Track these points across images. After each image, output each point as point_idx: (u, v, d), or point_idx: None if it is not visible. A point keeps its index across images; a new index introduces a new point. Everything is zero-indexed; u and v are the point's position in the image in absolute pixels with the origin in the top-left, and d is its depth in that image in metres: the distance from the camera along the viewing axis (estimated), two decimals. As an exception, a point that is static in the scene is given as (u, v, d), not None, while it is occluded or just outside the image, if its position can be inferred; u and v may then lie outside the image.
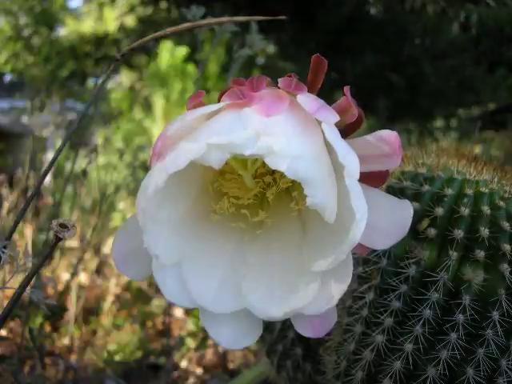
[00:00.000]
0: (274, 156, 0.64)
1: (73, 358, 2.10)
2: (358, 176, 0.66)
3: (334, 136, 0.67)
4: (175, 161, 0.66)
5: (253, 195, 0.79)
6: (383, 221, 0.74)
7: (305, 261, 0.73)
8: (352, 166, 0.66)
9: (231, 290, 0.75)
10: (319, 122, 0.70)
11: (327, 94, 0.76)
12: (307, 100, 0.70)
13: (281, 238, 0.79)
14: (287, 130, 0.68)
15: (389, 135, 0.71)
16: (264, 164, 0.78)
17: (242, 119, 0.67)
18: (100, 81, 1.55)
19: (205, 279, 0.76)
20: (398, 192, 1.10)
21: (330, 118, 0.69)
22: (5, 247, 0.98)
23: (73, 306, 2.20)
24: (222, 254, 0.79)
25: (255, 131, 0.65)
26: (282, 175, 0.77)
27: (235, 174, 0.78)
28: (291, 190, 0.80)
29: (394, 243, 0.74)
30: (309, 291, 0.71)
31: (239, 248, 0.79)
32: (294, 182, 0.78)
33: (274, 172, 0.79)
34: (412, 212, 0.73)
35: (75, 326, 2.24)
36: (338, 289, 0.71)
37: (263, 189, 0.80)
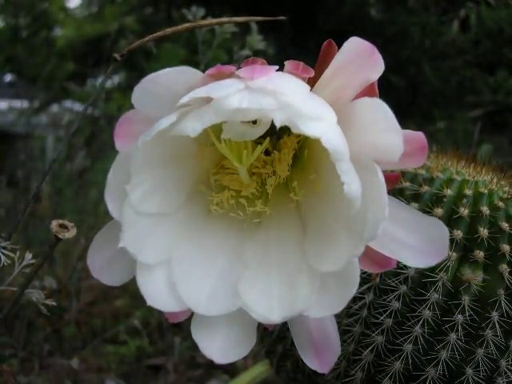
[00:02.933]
0: (299, 116, 0.58)
1: (73, 358, 2.10)
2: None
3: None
4: (144, 135, 0.62)
5: (253, 188, 0.75)
6: (420, 240, 0.70)
7: (309, 261, 0.69)
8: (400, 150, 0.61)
9: (226, 290, 0.70)
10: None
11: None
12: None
13: (279, 235, 0.75)
14: (294, 88, 0.63)
15: (416, 134, 0.68)
16: (262, 154, 0.72)
17: (223, 82, 0.62)
18: (99, 81, 1.55)
19: (198, 280, 0.71)
20: (397, 193, 1.10)
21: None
22: (5, 248, 0.98)
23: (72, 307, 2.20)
24: (218, 253, 0.74)
25: (243, 86, 0.60)
26: (281, 163, 0.74)
27: (234, 167, 0.73)
28: (290, 182, 0.76)
29: (436, 263, 0.70)
30: (308, 292, 0.68)
31: (236, 246, 0.74)
32: (293, 170, 0.75)
33: (273, 162, 0.75)
34: (448, 233, 0.70)
35: (75, 326, 2.25)
36: (344, 292, 0.66)
37: (262, 182, 0.76)
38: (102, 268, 0.74)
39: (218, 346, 0.70)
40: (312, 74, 0.70)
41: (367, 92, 0.68)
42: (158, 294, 0.69)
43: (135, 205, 0.67)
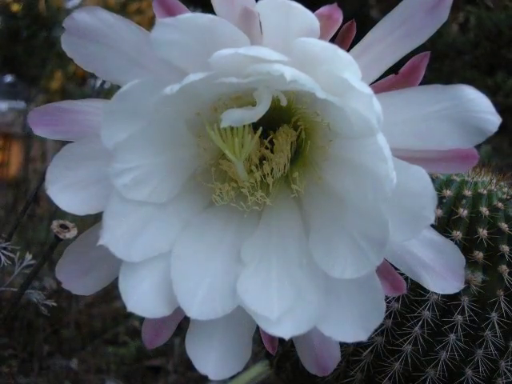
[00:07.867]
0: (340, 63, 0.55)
1: (72, 358, 2.10)
2: None
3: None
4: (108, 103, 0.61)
5: (253, 179, 0.72)
6: (440, 264, 0.70)
7: (317, 262, 0.66)
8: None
9: (224, 289, 0.67)
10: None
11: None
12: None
13: (280, 233, 0.72)
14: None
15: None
16: (260, 144, 0.70)
17: None
18: (99, 82, 1.55)
19: (195, 278, 0.67)
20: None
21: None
22: (5, 248, 0.98)
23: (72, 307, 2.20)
24: (217, 250, 0.71)
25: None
26: (279, 152, 0.71)
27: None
28: (291, 174, 0.74)
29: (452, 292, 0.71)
30: (313, 294, 0.65)
31: (235, 243, 0.72)
32: (294, 165, 0.74)
33: (272, 152, 0.72)
34: (464, 260, 0.72)
35: (75, 327, 2.24)
36: (369, 314, 0.64)
37: (263, 176, 0.73)
38: (75, 279, 0.72)
39: (213, 363, 0.69)
40: (340, 21, 0.66)
41: (407, 75, 0.65)
42: (143, 297, 0.65)
43: (122, 191, 0.64)
